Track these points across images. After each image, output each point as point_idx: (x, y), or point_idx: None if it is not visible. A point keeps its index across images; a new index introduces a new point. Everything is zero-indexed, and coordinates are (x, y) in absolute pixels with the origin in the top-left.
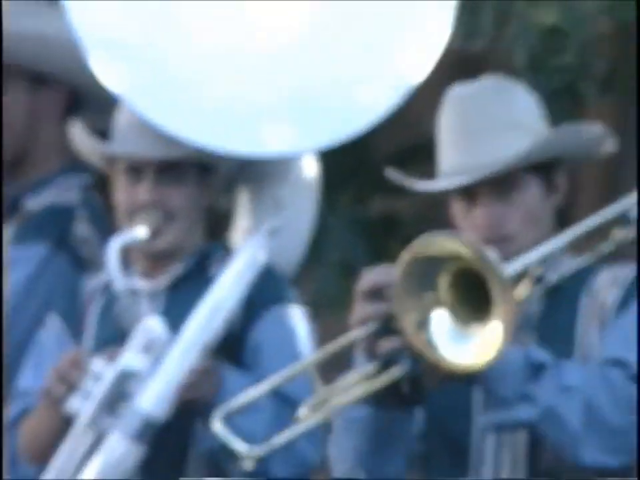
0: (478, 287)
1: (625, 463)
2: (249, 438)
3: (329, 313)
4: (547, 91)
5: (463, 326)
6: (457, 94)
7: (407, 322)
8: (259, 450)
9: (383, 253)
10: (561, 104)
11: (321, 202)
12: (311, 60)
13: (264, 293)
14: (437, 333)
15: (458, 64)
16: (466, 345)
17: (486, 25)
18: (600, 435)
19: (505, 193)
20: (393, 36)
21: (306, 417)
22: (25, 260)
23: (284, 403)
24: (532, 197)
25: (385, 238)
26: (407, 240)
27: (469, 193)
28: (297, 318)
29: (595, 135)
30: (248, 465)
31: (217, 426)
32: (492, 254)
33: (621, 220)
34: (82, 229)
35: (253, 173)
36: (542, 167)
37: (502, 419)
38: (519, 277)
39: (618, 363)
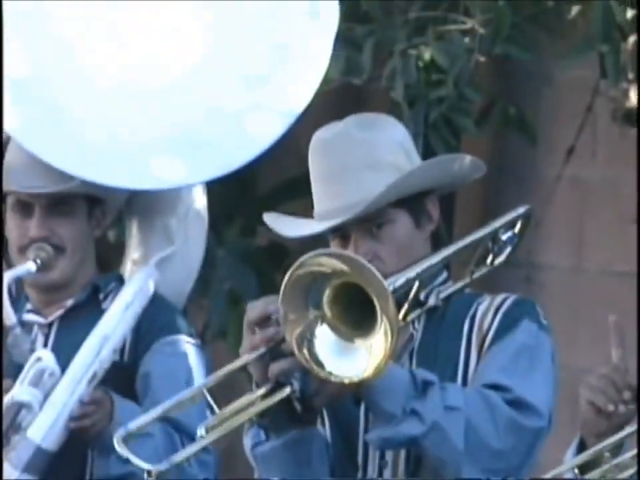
0: (361, 301)
1: None
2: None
3: (218, 343)
4: (425, 123)
5: (347, 341)
6: (320, 138)
7: (292, 338)
8: (161, 465)
9: (271, 282)
10: (440, 135)
11: (209, 233)
12: (198, 93)
13: (153, 323)
14: (321, 349)
15: (341, 97)
16: (350, 358)
17: (367, 60)
18: (480, 456)
19: (374, 231)
20: (276, 66)
21: (203, 438)
22: None
23: (176, 429)
24: (402, 229)
25: (271, 268)
26: None
27: (342, 233)
28: (187, 347)
29: (463, 166)
30: None
31: (118, 447)
32: (372, 268)
33: (495, 243)
34: None
35: (143, 204)
36: (410, 200)
37: (389, 434)
38: (401, 298)
39: (498, 388)
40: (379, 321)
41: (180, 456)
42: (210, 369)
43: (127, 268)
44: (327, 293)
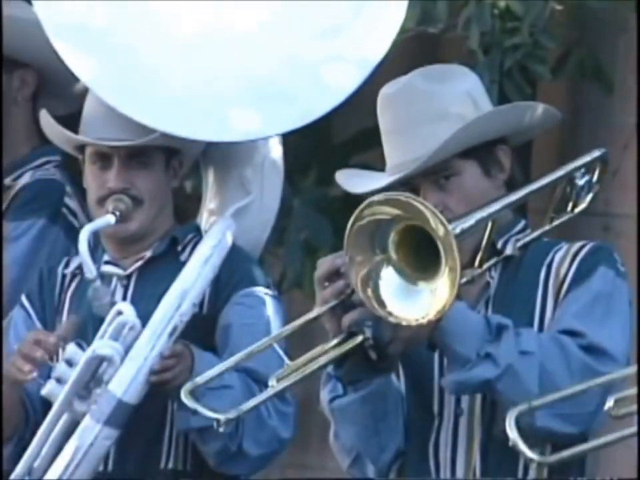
0: (427, 245)
1: (577, 431)
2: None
3: (294, 293)
4: (500, 71)
5: (411, 283)
6: (385, 92)
7: (357, 279)
8: (230, 414)
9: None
10: (515, 83)
11: (284, 183)
12: (274, 44)
13: (232, 275)
14: (385, 290)
15: (417, 46)
16: (413, 301)
17: (442, 8)
18: (554, 403)
19: (442, 182)
20: (351, 17)
21: (273, 388)
22: (22, 234)
23: (252, 378)
24: (471, 180)
25: (347, 218)
26: None
27: (411, 186)
28: (265, 299)
29: (534, 114)
30: (222, 428)
31: (185, 399)
32: (433, 209)
33: (572, 189)
34: (71, 202)
35: (219, 154)
36: (478, 149)
37: (464, 377)
38: (477, 245)
39: (572, 334)
40: (443, 264)
41: (249, 405)
42: (286, 318)
43: (204, 218)
44: (392, 237)
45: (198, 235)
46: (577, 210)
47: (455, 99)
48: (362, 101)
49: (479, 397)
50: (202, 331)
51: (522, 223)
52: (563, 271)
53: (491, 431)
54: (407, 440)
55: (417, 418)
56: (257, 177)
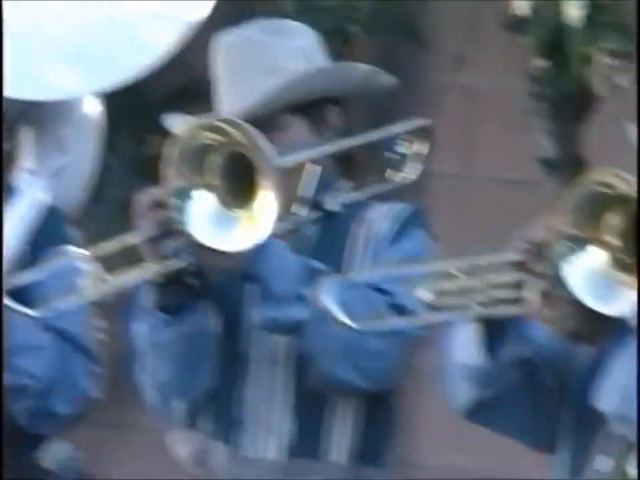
0: (248, 175)
1: (377, 387)
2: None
3: None
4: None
5: (231, 212)
6: (224, 40)
7: (174, 208)
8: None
9: None
10: (331, 44)
11: (102, 142)
12: (92, 3)
13: (47, 235)
14: (199, 215)
15: (232, 7)
16: (234, 229)
17: None
18: (357, 356)
19: (268, 134)
20: None
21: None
22: None
23: (63, 338)
24: (296, 136)
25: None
26: None
27: None
28: (77, 258)
29: (365, 73)
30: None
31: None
32: (264, 143)
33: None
34: None
35: (35, 114)
36: (307, 107)
37: (277, 314)
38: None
39: (383, 291)
40: (263, 194)
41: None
42: None
43: (20, 177)
44: (214, 163)
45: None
46: (396, 178)
47: (287, 54)
48: (174, 58)
49: (288, 343)
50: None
51: (342, 181)
52: (375, 228)
53: (300, 381)
54: (218, 380)
55: (227, 359)
56: (74, 137)
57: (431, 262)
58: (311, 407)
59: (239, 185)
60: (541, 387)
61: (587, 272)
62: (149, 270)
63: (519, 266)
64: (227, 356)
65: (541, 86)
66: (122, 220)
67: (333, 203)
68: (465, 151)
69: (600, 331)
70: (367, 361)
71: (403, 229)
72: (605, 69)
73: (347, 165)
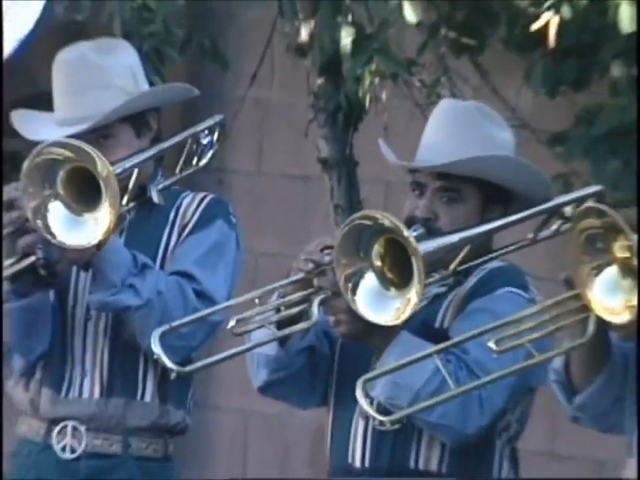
0: (90, 183)
1: (180, 360)
2: None
3: None
4: (140, 54)
5: (77, 215)
6: (62, 58)
7: (28, 209)
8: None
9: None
10: (152, 63)
11: None
12: None
13: None
14: (53, 220)
15: (66, 30)
16: (80, 229)
17: (86, 1)
18: (169, 335)
19: (101, 141)
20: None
21: None
22: None
23: None
24: (125, 139)
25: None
26: None
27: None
28: None
29: (181, 89)
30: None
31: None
32: (97, 154)
33: (198, 146)
34: None
35: None
36: (134, 116)
37: (109, 300)
38: (124, 189)
39: (190, 277)
40: (104, 199)
41: None
42: None
43: None
44: (60, 175)
45: None
46: (200, 164)
47: (118, 72)
48: (18, 72)
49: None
50: None
51: (160, 174)
52: (188, 215)
53: (116, 337)
54: (51, 344)
55: (59, 322)
56: None
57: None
58: (125, 356)
59: (84, 193)
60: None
61: (361, 289)
62: (9, 269)
63: (304, 283)
64: (60, 325)
65: (320, 100)
66: None
67: (157, 194)
68: (257, 151)
69: (373, 334)
70: (175, 340)
71: (209, 218)
72: (371, 87)
73: (161, 159)
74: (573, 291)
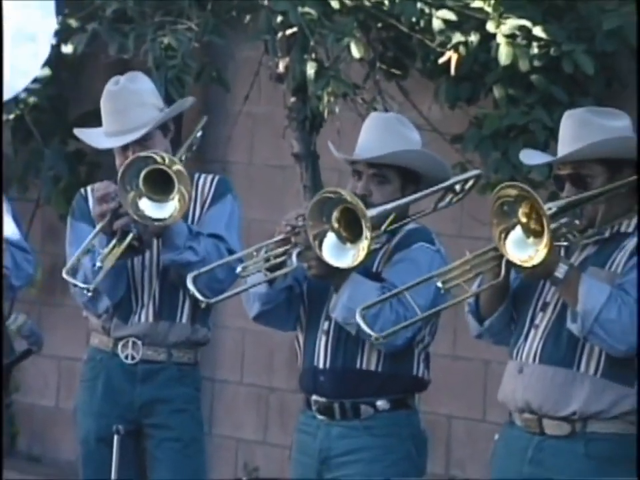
0: (166, 180)
1: (213, 297)
2: None
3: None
4: (166, 79)
5: (161, 202)
6: (108, 88)
7: (127, 204)
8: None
9: (77, 173)
10: (174, 87)
11: (40, 141)
12: None
13: None
14: (145, 206)
15: (117, 64)
16: (164, 209)
17: (131, 43)
18: (208, 279)
19: (143, 142)
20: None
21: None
22: None
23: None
24: (159, 140)
25: (78, 164)
26: None
27: (124, 147)
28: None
29: (189, 104)
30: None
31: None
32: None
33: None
34: None
35: None
36: (162, 125)
37: (176, 258)
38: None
39: (219, 237)
40: (175, 188)
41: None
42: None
43: None
44: (142, 175)
45: None
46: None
47: (148, 94)
48: (83, 94)
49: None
50: None
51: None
52: (205, 192)
53: (164, 280)
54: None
55: (129, 274)
56: None
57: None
58: (170, 293)
59: (160, 186)
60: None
61: (325, 244)
62: (116, 249)
63: (285, 241)
64: (130, 276)
65: (293, 112)
66: (54, 189)
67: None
68: (249, 148)
69: (335, 275)
70: (214, 283)
71: (219, 193)
72: (328, 103)
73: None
74: (491, 245)
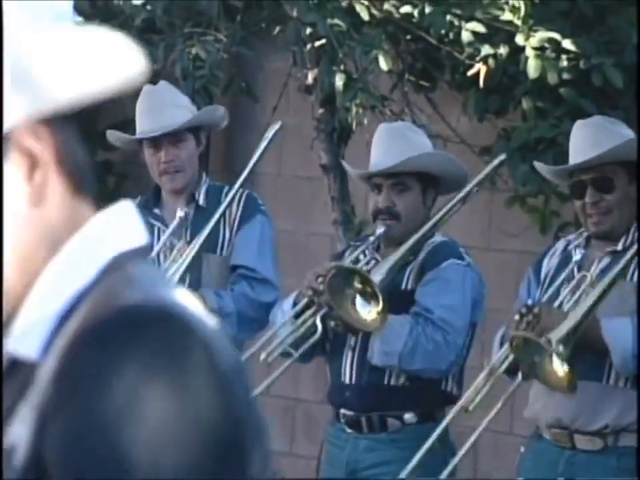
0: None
1: None
2: None
3: None
4: (193, 89)
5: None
6: (144, 90)
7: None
8: None
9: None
10: (202, 97)
11: None
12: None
13: None
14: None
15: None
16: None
17: (160, 53)
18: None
19: (177, 142)
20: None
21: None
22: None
23: None
24: (191, 146)
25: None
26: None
27: (155, 142)
28: None
29: (220, 115)
30: None
31: None
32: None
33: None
34: None
35: None
36: (194, 130)
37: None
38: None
39: (249, 269)
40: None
41: None
42: None
43: None
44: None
45: None
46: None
47: (180, 97)
48: (114, 104)
49: None
50: None
51: (204, 178)
52: (233, 211)
53: None
54: None
55: None
56: None
57: None
58: None
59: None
60: None
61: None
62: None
63: (309, 304)
64: None
65: (321, 124)
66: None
67: (203, 198)
68: (278, 160)
69: (355, 331)
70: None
71: (248, 214)
72: (356, 115)
73: (207, 165)
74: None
